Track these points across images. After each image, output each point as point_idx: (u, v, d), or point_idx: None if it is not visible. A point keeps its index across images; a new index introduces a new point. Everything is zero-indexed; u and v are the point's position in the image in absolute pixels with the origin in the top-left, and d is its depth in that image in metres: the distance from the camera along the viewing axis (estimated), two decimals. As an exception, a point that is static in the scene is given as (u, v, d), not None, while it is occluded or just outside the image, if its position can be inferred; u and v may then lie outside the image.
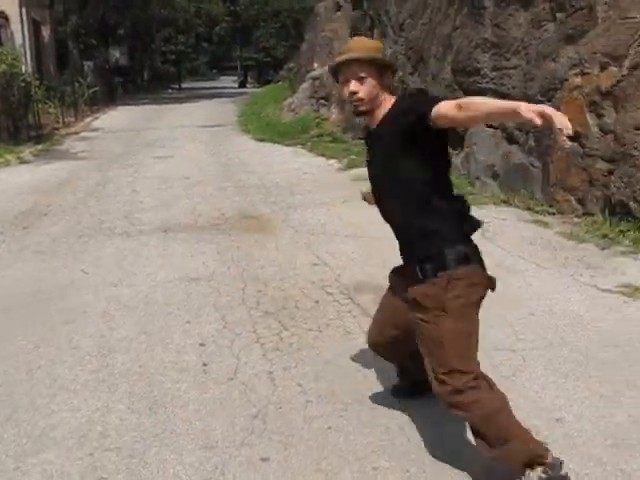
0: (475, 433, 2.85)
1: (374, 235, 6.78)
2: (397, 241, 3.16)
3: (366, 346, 4.21)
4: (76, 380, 3.94)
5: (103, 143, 15.71)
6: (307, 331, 4.52)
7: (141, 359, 4.17)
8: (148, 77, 48.93)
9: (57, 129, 18.17)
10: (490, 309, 4.72)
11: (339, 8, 17.29)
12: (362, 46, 2.95)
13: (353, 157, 11.32)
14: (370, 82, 2.89)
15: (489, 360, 3.97)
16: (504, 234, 6.66)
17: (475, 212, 7.27)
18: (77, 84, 23.35)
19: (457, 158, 9.26)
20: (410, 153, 2.81)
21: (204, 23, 52.21)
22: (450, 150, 8.26)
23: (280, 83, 30.99)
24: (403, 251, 3.16)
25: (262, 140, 15.02)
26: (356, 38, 3.21)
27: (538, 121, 2.31)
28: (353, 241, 6.62)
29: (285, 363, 4.05)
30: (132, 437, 3.32)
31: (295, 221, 7.46)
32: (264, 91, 32.68)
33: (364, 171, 9.50)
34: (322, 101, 16.30)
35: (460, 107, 2.53)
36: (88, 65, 31.52)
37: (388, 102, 2.95)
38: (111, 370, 4.05)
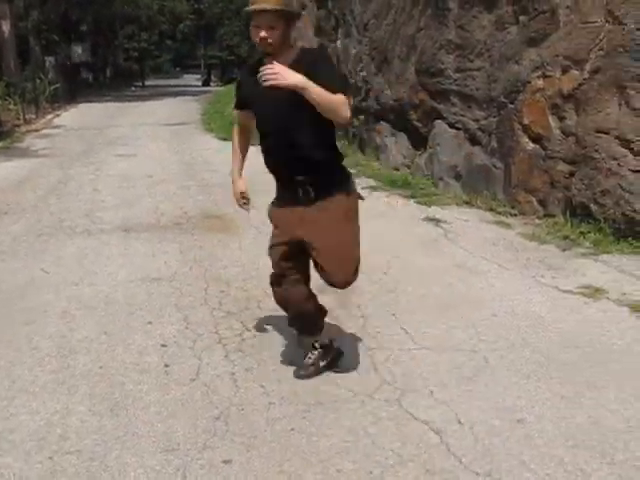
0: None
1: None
2: (293, 177, 3.56)
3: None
4: (35, 382, 3.88)
5: (65, 141, 15.51)
6: (270, 332, 4.50)
7: (102, 360, 4.12)
8: (111, 74, 48.45)
9: (17, 126, 17.91)
10: (452, 310, 4.80)
11: (303, 7, 17.23)
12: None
13: (317, 157, 11.33)
14: (278, 30, 3.36)
15: (451, 361, 4.01)
16: (466, 235, 6.71)
17: (438, 212, 7.40)
18: (38, 80, 23.06)
19: (420, 158, 9.33)
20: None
21: (168, 20, 51.89)
22: (414, 150, 8.22)
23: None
24: (302, 184, 3.56)
25: (225, 139, 14.86)
26: None
27: None
28: (317, 241, 6.60)
29: (247, 364, 4.03)
30: (93, 440, 3.27)
31: (258, 221, 7.38)
32: (228, 90, 32.53)
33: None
34: (286, 100, 16.28)
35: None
36: (50, 61, 31.08)
37: (291, 50, 3.46)
38: (72, 371, 3.99)
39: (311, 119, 3.36)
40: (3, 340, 4.45)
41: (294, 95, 3.24)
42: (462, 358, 4.05)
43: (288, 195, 3.66)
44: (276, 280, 3.87)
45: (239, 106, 3.83)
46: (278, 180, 3.74)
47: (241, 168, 4.04)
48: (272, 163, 3.66)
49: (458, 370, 3.90)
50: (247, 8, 3.43)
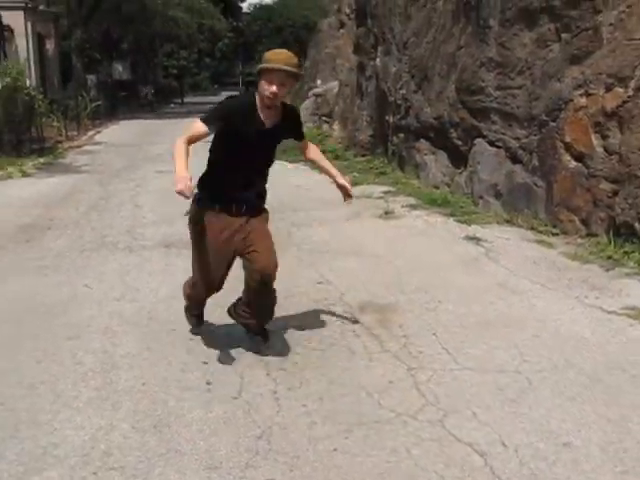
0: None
1: (378, 254, 6.80)
2: (244, 195, 4.25)
3: (371, 365, 4.25)
4: (79, 397, 3.91)
5: (105, 157, 15.73)
6: (311, 350, 4.49)
7: (144, 376, 4.14)
8: (150, 91, 49.07)
9: (60, 142, 18.21)
10: (494, 330, 4.75)
11: (343, 25, 17.36)
12: (293, 62, 4.02)
13: (356, 174, 11.31)
14: (286, 88, 4.07)
15: (494, 382, 3.97)
16: (507, 254, 6.65)
17: (478, 231, 7.36)
18: (80, 98, 23.43)
19: (460, 177, 9.28)
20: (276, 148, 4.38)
21: (207, 39, 52.42)
22: (453, 168, 8.16)
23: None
24: (250, 201, 4.29)
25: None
26: (285, 51, 4.15)
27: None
28: (357, 259, 6.60)
29: (289, 383, 4.02)
30: (136, 456, 3.28)
31: (298, 239, 7.45)
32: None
33: (367, 189, 9.55)
34: (325, 118, 16.33)
35: (308, 153, 4.72)
36: (91, 79, 31.62)
37: (280, 108, 4.17)
38: (115, 387, 4.02)
39: (271, 162, 4.38)
40: (47, 354, 4.51)
41: (274, 145, 4.30)
42: (505, 379, 4.01)
43: (233, 208, 4.26)
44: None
45: (212, 126, 4.14)
46: (227, 195, 4.27)
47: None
48: (232, 182, 4.22)
49: (501, 391, 3.86)
50: (266, 65, 4.00)
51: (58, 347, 4.62)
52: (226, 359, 4.34)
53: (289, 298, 5.48)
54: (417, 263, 6.48)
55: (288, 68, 3.99)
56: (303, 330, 4.83)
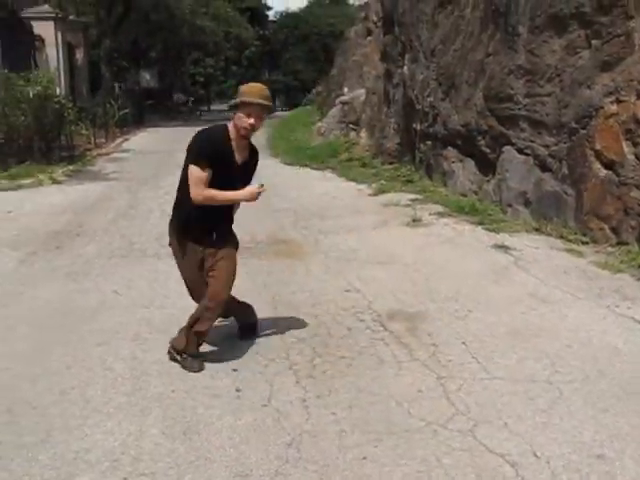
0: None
1: (405, 262, 6.77)
2: (206, 222, 4.41)
3: (400, 373, 4.23)
4: (109, 403, 3.93)
5: (134, 164, 15.86)
6: (340, 358, 4.48)
7: (174, 383, 4.16)
8: (177, 99, 49.37)
9: (88, 150, 18.38)
10: (525, 339, 4.71)
11: (370, 33, 17.37)
12: (267, 95, 4.30)
13: (383, 182, 11.32)
14: (261, 121, 4.30)
15: (525, 392, 3.93)
16: (537, 263, 6.60)
17: (507, 239, 7.30)
18: (108, 106, 23.63)
19: (489, 185, 9.23)
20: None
21: (233, 47, 52.69)
22: (481, 176, 8.09)
23: (308, 107, 31.14)
24: (213, 229, 4.46)
25: (291, 164, 15.08)
26: (259, 85, 4.39)
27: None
28: (384, 268, 6.58)
29: (318, 391, 4.01)
30: (166, 463, 3.29)
31: (326, 246, 7.45)
32: (292, 114, 32.84)
33: (395, 196, 9.56)
34: (352, 126, 16.34)
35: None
36: (119, 87, 31.90)
37: (248, 143, 4.43)
38: (144, 394, 4.03)
39: None
40: (77, 360, 4.54)
41: (243, 182, 4.38)
42: (536, 389, 3.97)
43: (203, 236, 4.45)
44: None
45: (207, 168, 4.29)
46: (202, 225, 4.43)
47: None
48: (204, 217, 4.38)
49: (532, 402, 3.82)
50: (245, 98, 4.22)
51: (88, 353, 4.66)
52: (255, 367, 4.34)
53: (317, 306, 5.49)
54: (445, 271, 6.45)
55: (265, 102, 4.27)
56: (332, 338, 4.82)
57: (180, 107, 42.04)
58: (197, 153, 4.32)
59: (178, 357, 4.43)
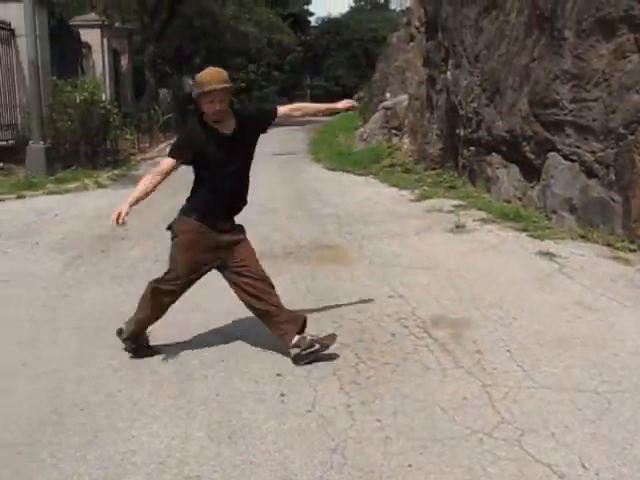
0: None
1: (449, 268, 6.73)
2: (225, 205, 4.60)
3: (445, 380, 4.20)
4: (155, 405, 3.98)
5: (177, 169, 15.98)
6: (384, 365, 4.47)
7: (219, 387, 4.19)
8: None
9: (133, 154, 18.62)
10: (571, 348, 4.65)
11: (412, 38, 17.30)
12: (224, 78, 4.39)
13: (426, 188, 11.27)
14: (225, 102, 4.44)
15: (572, 402, 3.87)
16: (583, 270, 6.50)
17: (551, 246, 7.21)
18: (152, 111, 23.90)
19: (533, 191, 9.13)
20: (254, 145, 4.72)
21: (276, 53, 52.97)
22: (526, 182, 8.02)
23: (350, 112, 31.11)
24: (231, 212, 4.68)
25: (333, 169, 15.08)
26: (213, 70, 4.46)
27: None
28: (428, 274, 6.55)
29: (363, 397, 4.01)
30: (211, 466, 3.32)
31: (369, 252, 7.44)
32: (334, 120, 32.83)
33: (438, 202, 9.50)
34: (394, 131, 16.30)
35: (292, 109, 4.98)
36: (163, 93, 32.20)
37: (230, 114, 4.53)
38: (189, 397, 4.07)
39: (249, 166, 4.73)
40: (124, 363, 4.60)
41: (245, 150, 4.63)
42: (584, 399, 3.91)
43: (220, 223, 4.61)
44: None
45: (183, 158, 4.54)
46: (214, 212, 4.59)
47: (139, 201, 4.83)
48: (218, 199, 4.54)
49: (580, 412, 3.77)
50: (203, 89, 4.34)
51: (134, 356, 4.71)
52: (299, 372, 4.35)
53: (361, 312, 5.48)
54: (489, 278, 6.40)
55: (220, 86, 4.37)
56: (375, 344, 4.81)
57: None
58: (173, 146, 4.70)
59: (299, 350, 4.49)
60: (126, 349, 4.76)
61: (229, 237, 4.62)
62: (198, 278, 4.72)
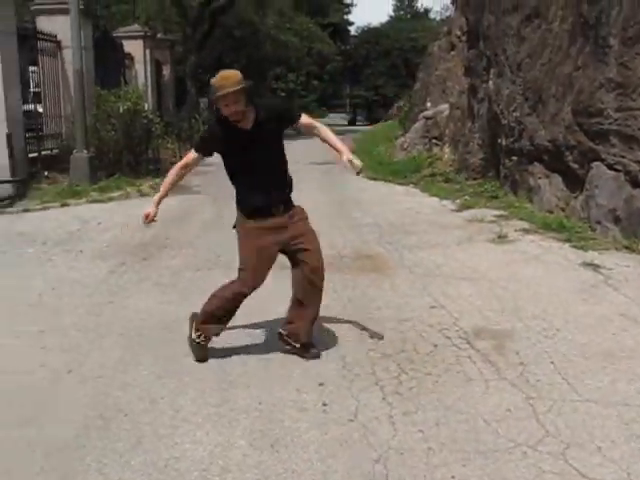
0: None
1: (491, 279, 6.68)
2: (265, 194, 4.64)
3: (488, 392, 4.16)
4: (198, 413, 4.00)
5: (218, 178, 15.99)
6: (426, 375, 4.45)
7: (261, 396, 4.20)
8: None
9: (173, 163, 18.72)
10: (617, 361, 4.58)
11: (453, 47, 17.26)
12: (238, 79, 4.45)
13: (467, 198, 11.21)
14: (242, 102, 4.47)
15: (619, 416, 3.81)
16: (628, 282, 6.41)
17: (596, 257, 7.12)
18: (193, 120, 24.11)
19: (576, 201, 9.02)
20: (280, 138, 4.76)
21: (315, 62, 53.19)
22: (569, 192, 7.91)
23: (390, 122, 31.12)
24: (274, 198, 4.69)
25: (374, 179, 15.05)
26: (226, 73, 4.56)
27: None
28: (470, 284, 6.51)
29: (405, 407, 3.99)
30: (254, 474, 3.33)
31: (410, 262, 7.41)
32: (374, 129, 32.89)
33: (479, 212, 9.42)
34: (435, 141, 16.24)
35: (314, 125, 4.86)
36: (203, 102, 32.49)
37: (252, 110, 4.56)
38: (232, 405, 4.09)
39: (280, 158, 4.81)
40: (167, 370, 4.64)
41: (271, 141, 4.67)
42: (630, 414, 3.85)
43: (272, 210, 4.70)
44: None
45: (205, 152, 4.75)
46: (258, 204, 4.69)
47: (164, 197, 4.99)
48: (256, 190, 4.65)
49: (627, 426, 3.71)
50: (218, 93, 4.43)
51: (177, 364, 4.75)
52: (341, 382, 4.35)
53: (402, 322, 5.46)
54: (533, 289, 6.33)
55: (234, 88, 4.43)
56: (417, 354, 4.79)
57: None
58: (197, 141, 5.00)
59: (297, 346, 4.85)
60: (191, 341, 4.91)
61: (282, 220, 4.71)
62: (267, 266, 4.82)
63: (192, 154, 4.75)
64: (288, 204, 4.80)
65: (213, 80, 4.54)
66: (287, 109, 5.01)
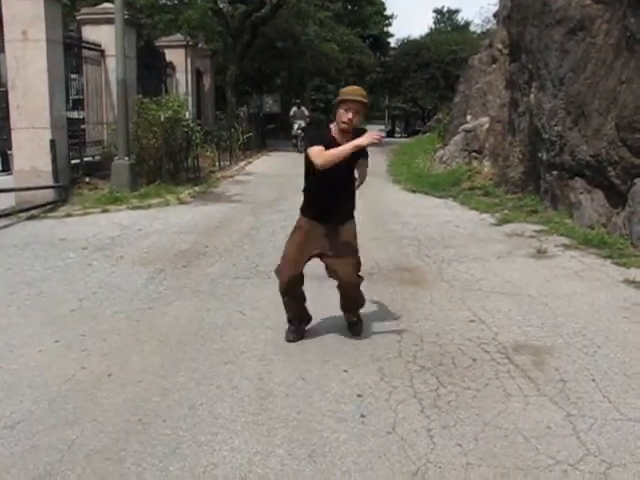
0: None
1: (530, 294, 6.62)
2: (330, 210, 5.10)
3: (527, 408, 4.12)
4: (236, 421, 4.02)
5: (256, 187, 16.20)
6: (465, 389, 4.42)
7: (299, 406, 4.21)
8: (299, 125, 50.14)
9: (213, 172, 18.90)
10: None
11: (494, 61, 17.16)
12: (364, 94, 4.85)
13: (506, 212, 11.13)
14: (359, 115, 4.84)
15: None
16: (672, 300, 6.32)
17: (638, 275, 7.01)
18: (232, 129, 24.27)
19: (618, 217, 8.92)
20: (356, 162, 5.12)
21: (355, 73, 53.27)
22: (611, 208, 7.81)
23: (428, 134, 31.01)
24: (331, 214, 5.12)
25: (413, 191, 15.03)
26: (358, 87, 5.01)
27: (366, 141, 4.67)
28: (510, 299, 6.46)
29: (444, 421, 3.97)
30: (292, 484, 3.34)
31: (449, 275, 7.37)
32: (412, 141, 32.82)
33: (519, 227, 9.36)
34: (474, 154, 16.14)
35: (365, 168, 5.35)
36: (243, 112, 32.71)
37: (352, 132, 4.83)
38: (270, 414, 4.10)
39: (352, 179, 5.24)
40: (206, 377, 4.66)
41: (351, 165, 5.04)
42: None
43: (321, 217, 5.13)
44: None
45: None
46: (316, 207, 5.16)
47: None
48: (321, 198, 5.09)
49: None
50: (344, 97, 4.81)
51: (215, 371, 4.78)
52: (380, 393, 4.34)
53: (441, 335, 5.44)
54: (572, 305, 6.27)
55: (361, 99, 4.81)
56: (456, 368, 4.77)
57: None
58: (310, 139, 4.98)
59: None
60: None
61: (330, 228, 5.13)
62: (300, 262, 5.19)
63: (318, 147, 4.79)
64: (346, 218, 5.23)
65: (345, 87, 5.01)
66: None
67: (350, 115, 4.79)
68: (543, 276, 7.32)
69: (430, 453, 3.61)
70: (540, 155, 11.60)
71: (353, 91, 4.88)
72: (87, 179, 14.60)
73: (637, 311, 6.07)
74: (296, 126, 28.38)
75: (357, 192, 5.25)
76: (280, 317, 5.78)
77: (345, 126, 4.83)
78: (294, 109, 29.63)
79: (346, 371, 4.72)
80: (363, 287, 5.45)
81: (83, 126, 16.25)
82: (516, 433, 3.83)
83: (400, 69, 52.00)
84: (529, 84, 12.58)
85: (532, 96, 12.26)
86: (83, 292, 6.76)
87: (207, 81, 27.19)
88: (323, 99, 55.23)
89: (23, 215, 11.25)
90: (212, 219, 11.43)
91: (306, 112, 29.21)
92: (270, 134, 36.01)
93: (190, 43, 23.32)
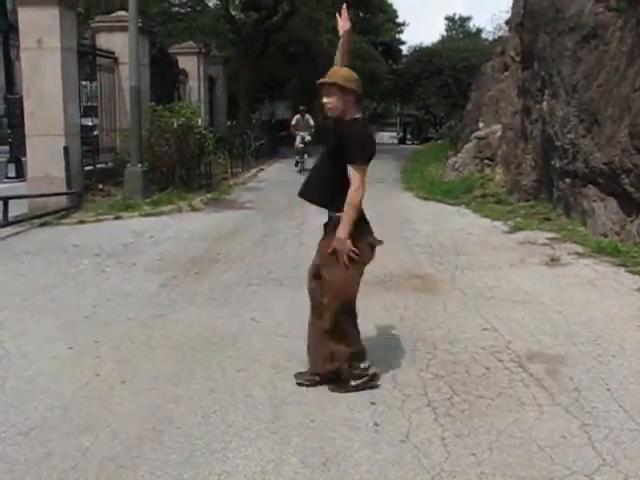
0: None
1: (544, 302, 6.60)
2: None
3: (542, 417, 4.10)
4: (250, 429, 4.02)
5: (269, 194, 16.22)
6: (478, 398, 4.41)
7: (313, 414, 4.20)
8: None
9: (225, 179, 18.95)
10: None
11: (507, 68, 17.14)
12: (331, 74, 4.46)
13: (519, 220, 11.10)
14: (333, 98, 4.42)
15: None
16: (687, 309, 6.28)
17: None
18: (245, 136, 24.32)
19: (632, 225, 8.87)
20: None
21: (366, 80, 53.29)
22: (624, 216, 7.78)
23: (440, 141, 31.01)
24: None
25: (425, 198, 15.02)
26: (334, 68, 4.62)
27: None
28: (523, 307, 6.43)
29: (457, 430, 3.96)
30: (306, 492, 3.33)
31: (462, 283, 7.36)
32: (424, 148, 32.81)
33: (531, 234, 9.34)
34: (487, 161, 16.11)
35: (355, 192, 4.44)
36: (255, 118, 32.80)
37: (351, 114, 4.48)
38: (283, 422, 4.10)
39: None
40: (219, 385, 4.66)
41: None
42: None
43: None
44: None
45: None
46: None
47: None
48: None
49: None
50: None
51: (229, 378, 4.78)
52: (393, 402, 4.33)
53: (454, 343, 5.42)
54: (587, 314, 6.24)
55: (325, 79, 4.44)
56: (470, 377, 4.75)
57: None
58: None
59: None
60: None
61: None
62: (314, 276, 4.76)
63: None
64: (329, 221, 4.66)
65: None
66: (350, 148, 4.63)
67: (324, 99, 4.46)
68: (556, 284, 7.29)
69: (444, 462, 3.59)
70: (553, 162, 11.56)
71: (327, 74, 4.49)
72: (100, 186, 14.67)
73: (651, 320, 6.04)
74: (299, 139, 22.78)
75: (368, 200, 4.86)
76: (292, 324, 5.79)
77: (326, 111, 4.50)
78: (297, 117, 23.58)
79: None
80: (376, 295, 5.43)
81: (96, 133, 16.35)
82: (531, 442, 3.82)
83: (412, 76, 51.93)
84: (542, 91, 12.55)
85: (545, 103, 12.23)
86: (96, 299, 6.79)
87: (219, 88, 27.29)
88: (335, 106, 55.24)
89: (36, 222, 11.30)
90: (224, 226, 11.45)
91: (311, 122, 23.13)
92: (282, 141, 36.04)
93: (203, 50, 23.42)
